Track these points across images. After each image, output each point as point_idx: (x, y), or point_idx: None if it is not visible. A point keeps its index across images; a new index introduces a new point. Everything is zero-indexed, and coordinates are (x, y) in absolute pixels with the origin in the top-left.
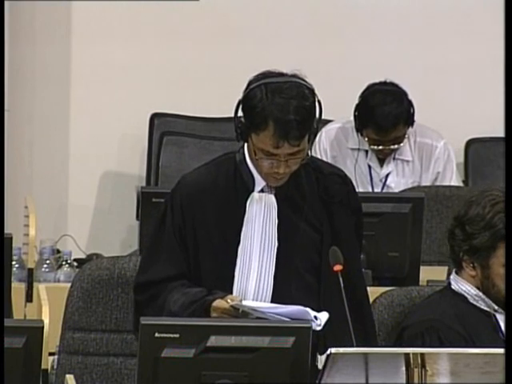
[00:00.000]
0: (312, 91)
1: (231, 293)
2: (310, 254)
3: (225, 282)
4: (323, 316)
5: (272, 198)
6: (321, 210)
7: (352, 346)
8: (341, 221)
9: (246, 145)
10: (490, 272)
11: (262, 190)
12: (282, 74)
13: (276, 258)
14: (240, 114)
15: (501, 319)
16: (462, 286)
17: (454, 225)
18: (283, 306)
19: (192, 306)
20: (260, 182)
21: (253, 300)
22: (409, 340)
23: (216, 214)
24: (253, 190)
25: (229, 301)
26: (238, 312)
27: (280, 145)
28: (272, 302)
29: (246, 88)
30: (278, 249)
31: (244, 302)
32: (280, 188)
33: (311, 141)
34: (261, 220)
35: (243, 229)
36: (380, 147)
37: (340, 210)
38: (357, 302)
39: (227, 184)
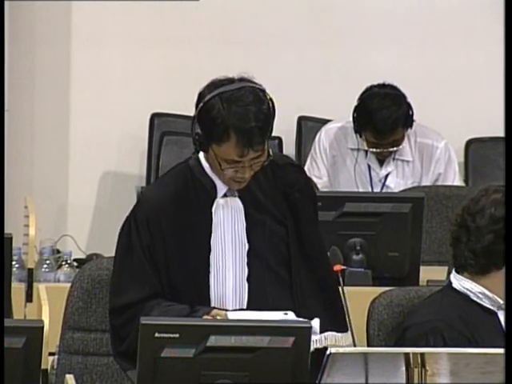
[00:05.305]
0: (264, 92)
1: (209, 301)
2: (280, 249)
3: (201, 291)
4: (315, 323)
5: (238, 201)
6: (282, 203)
7: (326, 330)
8: (302, 210)
9: (200, 152)
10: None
11: (225, 195)
12: (231, 81)
13: (248, 258)
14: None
15: (503, 317)
16: (465, 283)
17: (457, 223)
18: (275, 315)
19: None
20: (222, 187)
21: (232, 304)
22: (412, 340)
23: (182, 225)
24: (215, 196)
25: (218, 318)
26: None
27: (245, 153)
28: (249, 301)
29: (199, 101)
30: (248, 249)
31: (229, 315)
32: (242, 189)
33: (269, 139)
34: (229, 224)
35: (212, 235)
36: (378, 150)
37: (300, 199)
38: (326, 287)
39: (188, 193)
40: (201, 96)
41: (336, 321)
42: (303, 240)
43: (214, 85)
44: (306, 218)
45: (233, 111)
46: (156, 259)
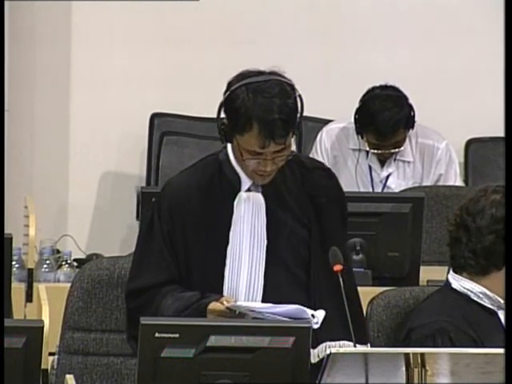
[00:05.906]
0: (292, 87)
1: (222, 293)
2: (300, 250)
3: (215, 283)
4: (320, 314)
5: (260, 197)
6: (307, 206)
7: (343, 338)
8: (328, 215)
9: (228, 145)
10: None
11: (248, 189)
12: (261, 73)
13: (266, 255)
14: (222, 116)
15: (503, 317)
16: (465, 284)
17: (456, 223)
18: (280, 305)
19: (187, 311)
20: (246, 181)
21: (245, 298)
22: (418, 341)
23: (204, 217)
24: (239, 190)
25: (225, 303)
26: (234, 313)
27: (266, 144)
28: (263, 298)
29: (227, 90)
30: (267, 246)
31: (239, 303)
32: (266, 186)
33: (296, 135)
34: (249, 219)
35: (232, 229)
36: (380, 151)
37: (327, 204)
38: (346, 296)
39: (213, 185)
40: (229, 85)
41: (356, 331)
42: (326, 245)
43: (242, 75)
44: (331, 224)
45: (258, 102)
46: (175, 248)
